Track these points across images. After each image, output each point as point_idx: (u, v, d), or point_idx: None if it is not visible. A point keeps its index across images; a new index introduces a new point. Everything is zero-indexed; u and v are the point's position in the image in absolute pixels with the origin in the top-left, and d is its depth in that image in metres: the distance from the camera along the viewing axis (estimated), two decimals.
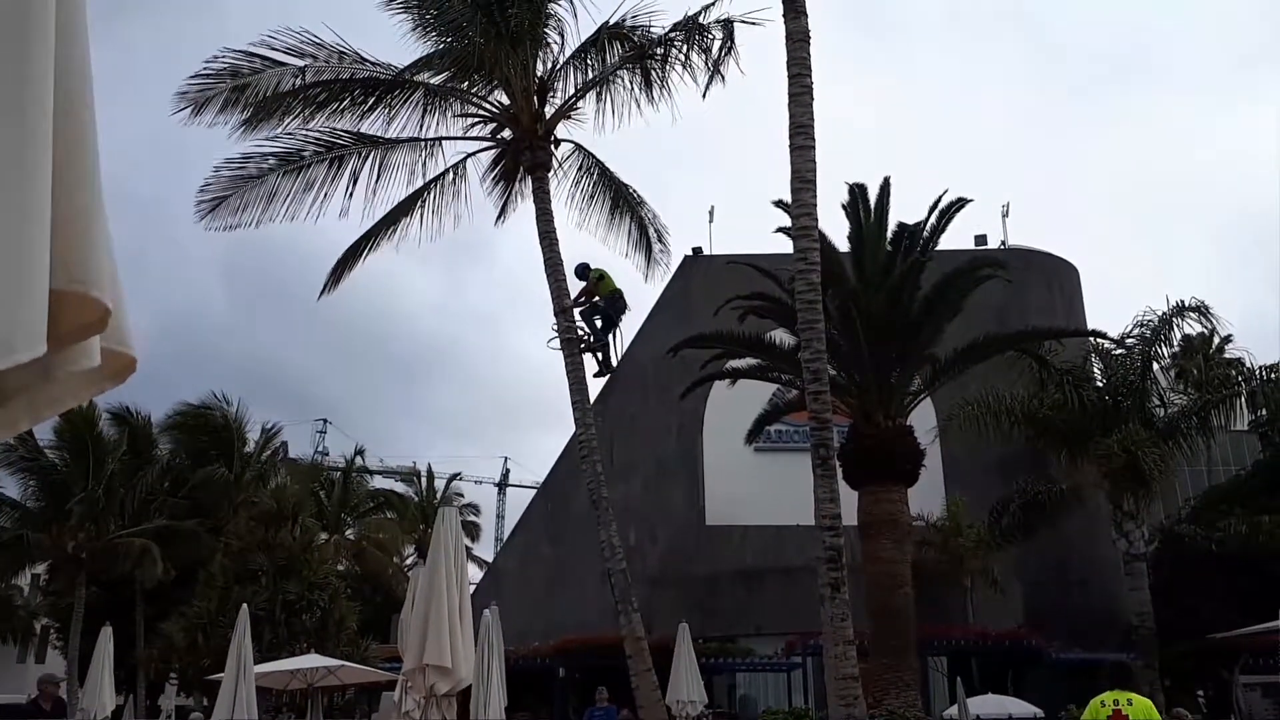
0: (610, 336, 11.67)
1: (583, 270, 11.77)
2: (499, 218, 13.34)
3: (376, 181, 11.74)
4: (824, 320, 8.56)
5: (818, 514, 7.95)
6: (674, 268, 27.10)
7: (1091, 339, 19.71)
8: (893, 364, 14.52)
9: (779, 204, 14.16)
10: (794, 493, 14.66)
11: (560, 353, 11.13)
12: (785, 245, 10.62)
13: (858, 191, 15.11)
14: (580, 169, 12.73)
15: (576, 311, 11.37)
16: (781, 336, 15.19)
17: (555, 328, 11.18)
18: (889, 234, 14.90)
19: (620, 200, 13.01)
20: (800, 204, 8.64)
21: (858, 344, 14.19)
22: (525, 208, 12.68)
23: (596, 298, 11.63)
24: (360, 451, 33.53)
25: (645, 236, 13.31)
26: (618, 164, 13.10)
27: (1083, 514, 20.63)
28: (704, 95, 11.42)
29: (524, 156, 11.67)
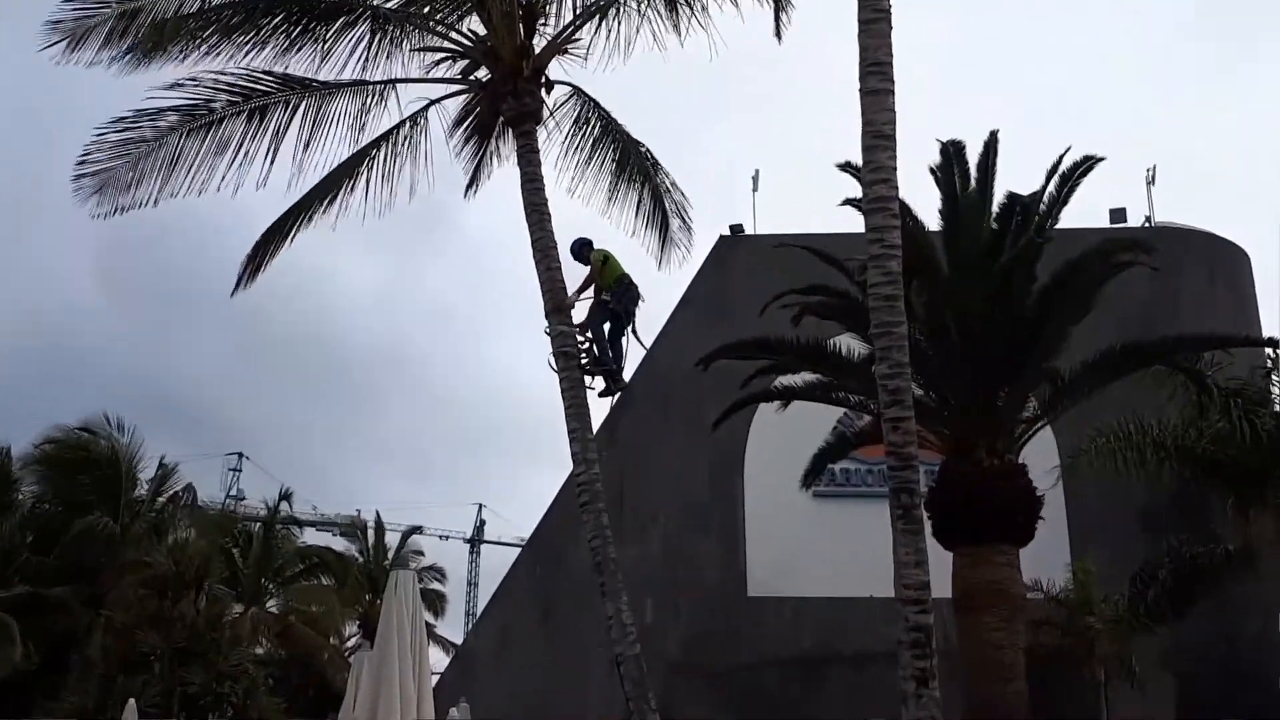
0: (623, 340, 11.67)
1: (581, 249, 11.73)
2: (469, 187, 13.37)
3: (309, 140, 11.79)
4: (906, 322, 8.50)
5: (898, 582, 7.88)
6: (698, 251, 27.41)
7: (1270, 349, 19.54)
8: (1000, 380, 14.47)
9: (846, 167, 14.17)
10: (865, 554, 14.59)
11: (555, 364, 11.15)
12: (854, 222, 10.56)
13: (952, 151, 15.12)
14: (577, 120, 12.78)
15: (576, 315, 11.37)
16: (849, 344, 15.20)
17: (549, 332, 11.19)
18: (994, 207, 14.90)
19: (629, 162, 13.05)
20: (874, 167, 8.58)
21: (952, 354, 14.16)
22: (504, 174, 12.71)
23: (604, 294, 11.61)
24: (287, 496, 33.62)
25: (660, 210, 13.35)
26: (628, 115, 13.14)
27: (1257, 583, 20.37)
28: (778, 34, 11.54)
29: (505, 104, 11.62)
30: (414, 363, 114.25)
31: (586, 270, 11.68)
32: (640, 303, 11.68)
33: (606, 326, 11.61)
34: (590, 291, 11.64)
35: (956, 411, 14.58)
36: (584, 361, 11.31)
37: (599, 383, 11.55)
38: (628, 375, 12.12)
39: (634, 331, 11.70)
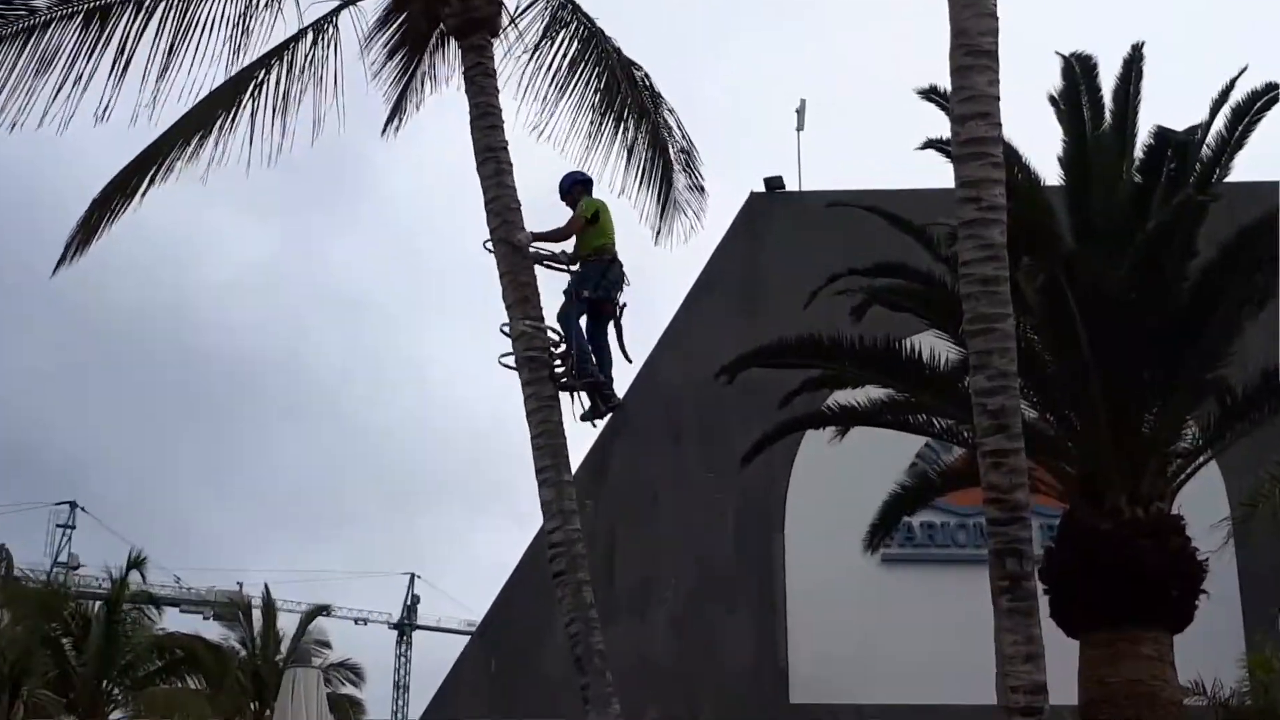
0: (608, 339, 11.68)
1: (573, 187, 11.84)
2: (391, 120, 13.45)
3: (169, 56, 11.79)
4: (1014, 316, 8.50)
5: (1002, 684, 7.87)
6: (722, 214, 27.40)
7: None
8: (1146, 397, 14.46)
9: (930, 95, 14.15)
10: (953, 643, 14.52)
11: (517, 372, 11.16)
12: (938, 174, 10.53)
13: (1079, 70, 15.12)
14: (548, 30, 12.84)
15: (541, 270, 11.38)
16: (933, 346, 15.21)
17: (509, 331, 11.20)
18: (1138, 151, 14.91)
19: (618, 91, 13.11)
20: (968, 95, 8.60)
21: (1078, 360, 14.12)
22: (441, 103, 12.73)
23: (575, 260, 11.60)
24: (138, 563, 33.43)
25: (661, 160, 13.40)
26: (621, 27, 13.23)
27: None
28: None
29: (448, 5, 11.72)
30: (315, 373, 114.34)
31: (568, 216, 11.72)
32: (626, 286, 11.69)
33: (584, 322, 11.61)
34: (560, 248, 11.68)
35: (1084, 441, 14.53)
36: (558, 370, 11.30)
37: (584, 401, 11.52)
38: (620, 389, 12.10)
39: (618, 334, 11.71)
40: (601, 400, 11.65)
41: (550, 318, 11.38)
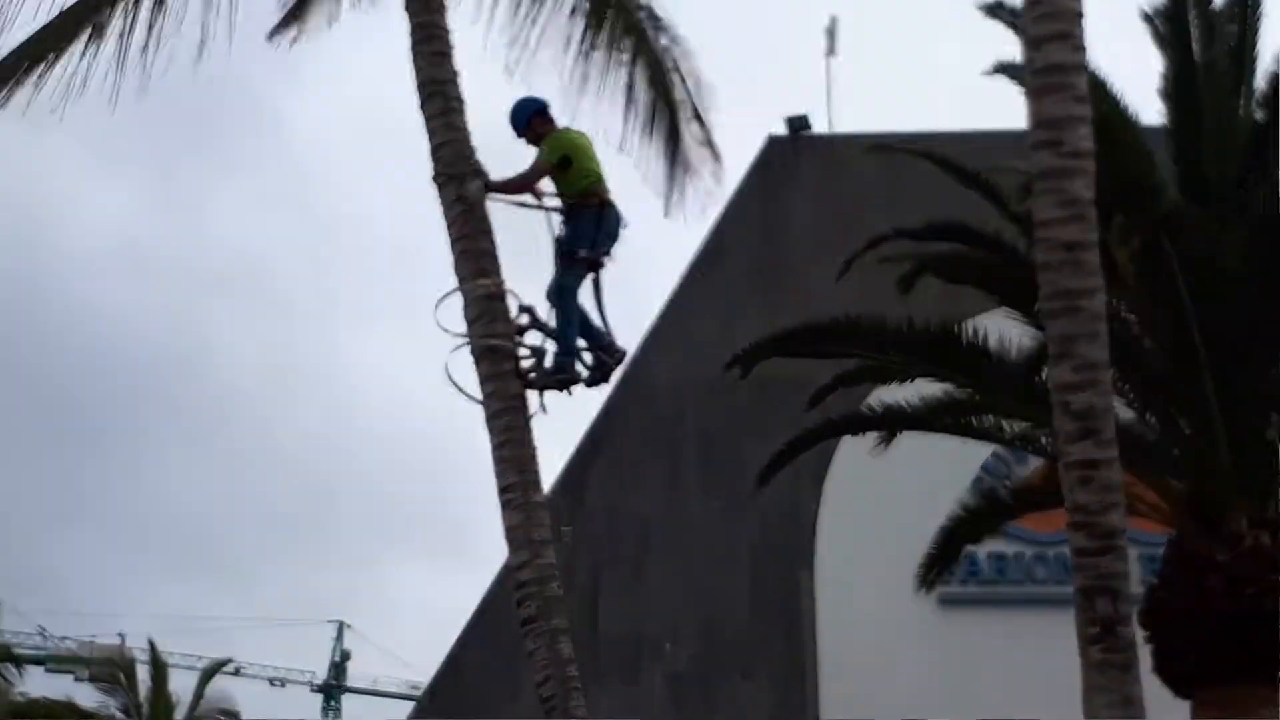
0: (592, 317, 11.70)
1: (530, 119, 11.82)
2: (288, 23, 13.54)
3: None
4: (1104, 291, 8.51)
5: None
6: (731, 169, 27.30)
7: None
8: (1274, 393, 14.52)
9: (994, 9, 14.18)
10: (1031, 704, 14.55)
11: (471, 384, 11.19)
12: (1004, 113, 10.51)
13: None
14: None
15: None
16: (1002, 328, 15.30)
17: (464, 328, 11.24)
18: (1259, 81, 15.01)
19: (607, 11, 13.17)
20: (1045, 8, 8.63)
21: (1185, 346, 14.16)
22: (369, 26, 12.79)
23: (560, 211, 11.65)
24: None
25: (664, 103, 13.41)
26: None
27: None
28: None
29: None
30: (205, 370, 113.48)
31: (530, 158, 11.69)
32: (624, 227, 11.70)
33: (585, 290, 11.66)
34: (528, 198, 11.73)
35: (1195, 450, 14.60)
36: (526, 365, 11.36)
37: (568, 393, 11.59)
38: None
39: (597, 296, 11.72)
40: (606, 364, 11.72)
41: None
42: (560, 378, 11.45)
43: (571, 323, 11.53)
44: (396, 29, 11.68)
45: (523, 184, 11.65)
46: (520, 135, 11.84)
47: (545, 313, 11.55)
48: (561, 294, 11.52)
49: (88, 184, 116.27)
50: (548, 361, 11.41)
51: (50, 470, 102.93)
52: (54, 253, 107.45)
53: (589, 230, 11.52)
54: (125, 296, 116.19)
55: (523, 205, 11.68)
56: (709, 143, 13.69)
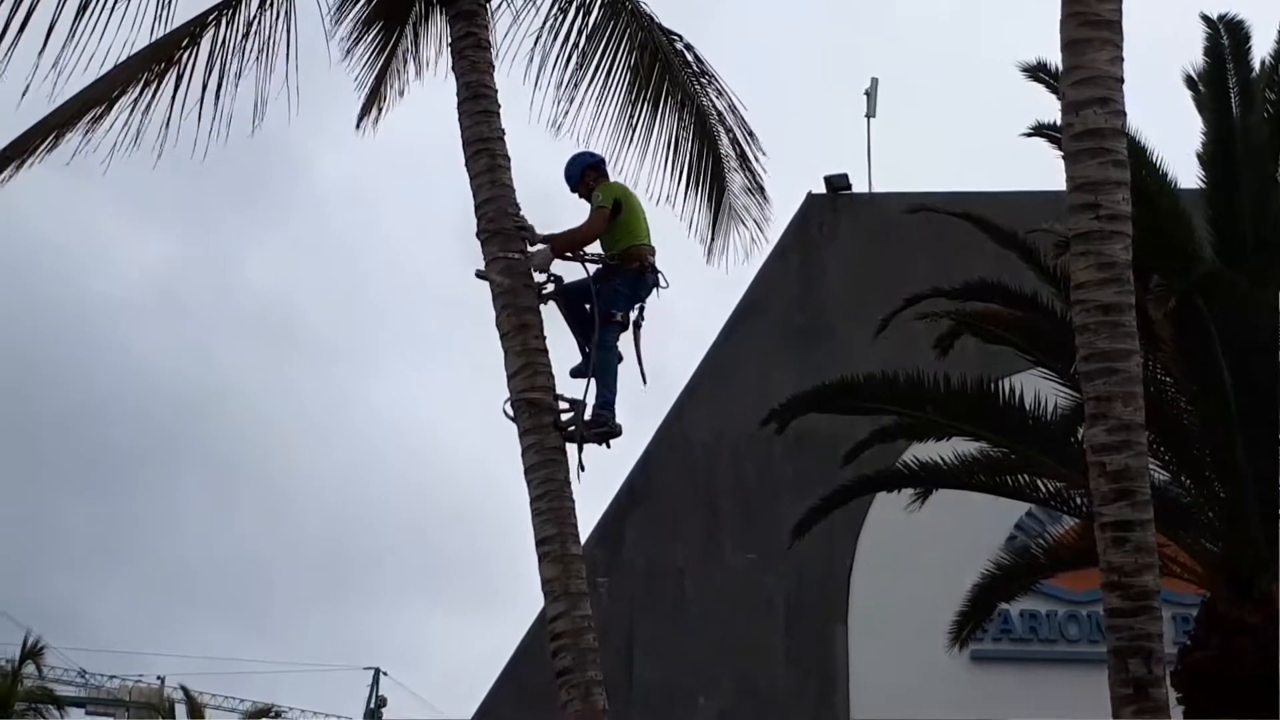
0: (630, 361, 11.71)
1: (584, 173, 11.84)
2: (368, 109, 13.60)
3: (75, 19, 11.87)
4: (1140, 352, 8.51)
5: None
6: (773, 222, 27.33)
7: None
8: None
9: (1036, 73, 14.20)
10: None
11: (516, 430, 11.18)
12: (1042, 175, 10.52)
13: (1227, 40, 15.13)
14: None
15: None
16: (1038, 388, 15.27)
17: (508, 401, 11.21)
18: None
19: (654, 69, 13.11)
20: (1084, 73, 8.68)
21: (1223, 407, 14.12)
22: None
23: (591, 256, 11.65)
24: (35, 651, 33.69)
25: (710, 155, 13.39)
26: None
27: None
28: None
29: None
30: (233, 415, 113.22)
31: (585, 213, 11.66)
32: (661, 287, 11.66)
33: (623, 348, 11.64)
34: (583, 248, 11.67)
35: (1229, 512, 14.52)
36: (565, 418, 11.33)
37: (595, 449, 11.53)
38: (639, 440, 12.05)
39: (636, 347, 11.70)
40: (590, 431, 11.46)
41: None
42: (599, 430, 11.40)
43: (610, 374, 11.53)
44: (427, 76, 11.79)
45: (586, 237, 11.59)
46: (574, 190, 11.87)
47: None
48: (601, 348, 11.48)
49: (120, 234, 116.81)
50: (586, 414, 11.34)
51: (87, 512, 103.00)
52: (89, 295, 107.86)
53: (626, 292, 11.54)
54: (157, 342, 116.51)
55: (563, 258, 11.63)
56: (756, 189, 13.63)
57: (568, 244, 11.52)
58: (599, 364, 11.50)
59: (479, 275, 11.37)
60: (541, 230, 11.48)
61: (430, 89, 13.08)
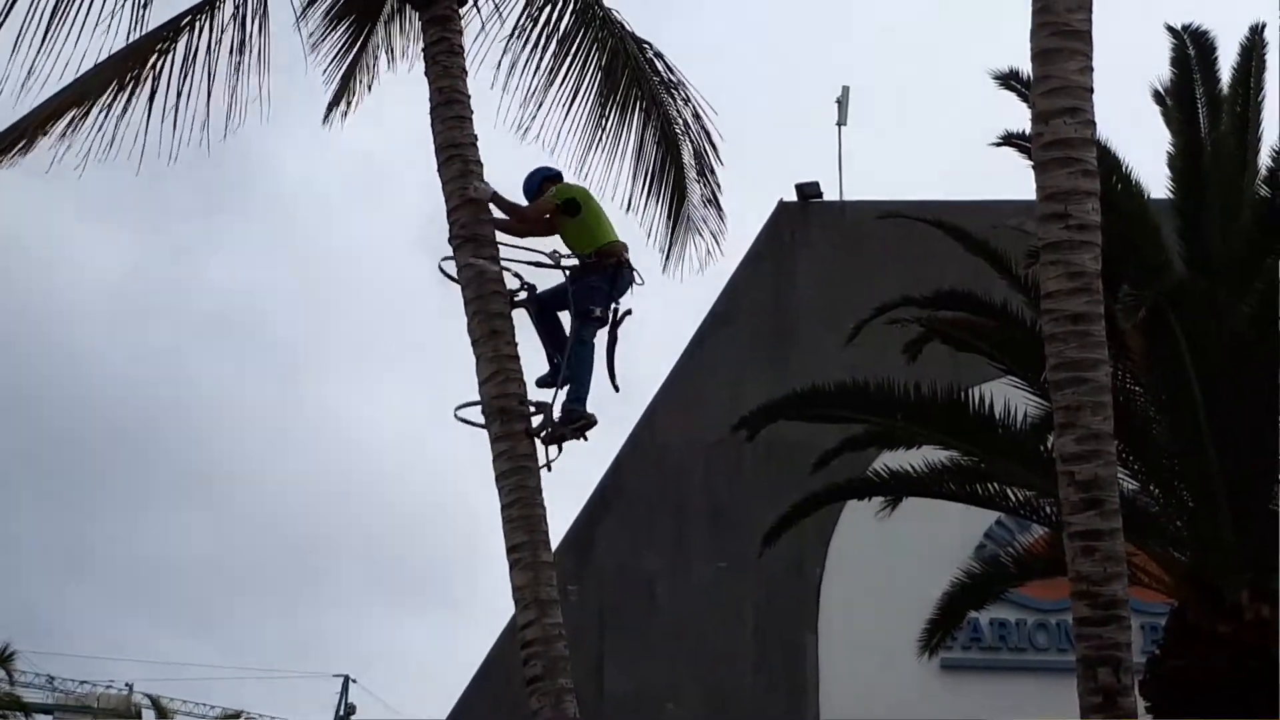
0: (606, 365, 11.71)
1: (536, 179, 11.90)
2: (335, 104, 13.64)
3: (50, 20, 11.82)
4: (1109, 363, 8.52)
5: None
6: (743, 229, 27.34)
7: None
8: (1277, 466, 14.45)
9: (1007, 81, 14.22)
10: None
11: (485, 437, 11.17)
12: (1013, 183, 10.55)
13: (1194, 52, 15.18)
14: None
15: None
16: (1008, 396, 15.29)
17: (465, 414, 11.29)
18: (1263, 158, 15.00)
19: (622, 75, 13.12)
20: (1054, 86, 8.70)
21: (1191, 416, 14.15)
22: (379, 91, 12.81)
23: (558, 260, 11.68)
24: (6, 658, 33.50)
25: (672, 163, 13.42)
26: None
27: None
28: None
29: None
30: (200, 421, 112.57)
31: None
32: (636, 284, 11.76)
33: (600, 345, 11.63)
34: (526, 242, 11.77)
35: (1198, 521, 14.53)
36: (536, 423, 11.33)
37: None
38: (611, 445, 12.08)
39: (610, 350, 11.70)
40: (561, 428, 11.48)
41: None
42: (575, 425, 11.42)
43: (585, 370, 11.53)
44: (387, 77, 11.77)
45: (525, 213, 11.68)
46: (527, 195, 11.88)
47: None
48: (583, 352, 11.50)
49: (78, 233, 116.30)
50: (555, 413, 11.36)
51: (49, 518, 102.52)
52: (49, 293, 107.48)
53: (603, 288, 11.54)
54: (117, 345, 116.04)
55: (538, 265, 11.70)
56: (713, 201, 13.70)
57: (510, 209, 11.60)
58: (575, 358, 11.49)
59: (442, 270, 11.46)
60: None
61: (393, 93, 13.11)
